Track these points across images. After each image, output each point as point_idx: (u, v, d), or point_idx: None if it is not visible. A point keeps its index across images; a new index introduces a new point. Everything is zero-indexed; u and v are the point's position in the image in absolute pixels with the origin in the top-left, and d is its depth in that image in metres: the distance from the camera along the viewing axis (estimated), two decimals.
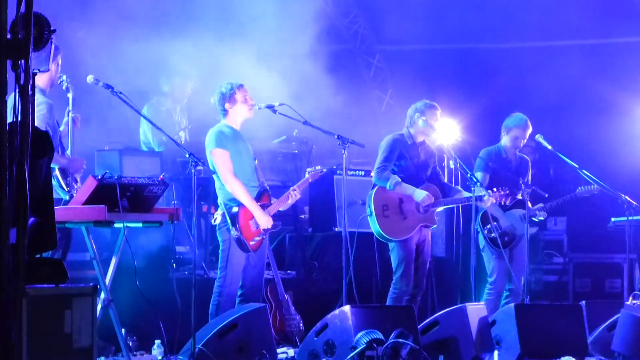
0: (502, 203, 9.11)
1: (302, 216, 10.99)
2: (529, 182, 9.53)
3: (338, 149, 8.61)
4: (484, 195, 8.83)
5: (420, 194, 8.75)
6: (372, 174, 8.97)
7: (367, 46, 13.72)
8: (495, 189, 8.98)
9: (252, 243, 8.01)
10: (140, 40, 9.76)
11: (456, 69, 12.90)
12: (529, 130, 9.53)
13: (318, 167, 8.71)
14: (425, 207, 8.76)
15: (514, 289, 9.39)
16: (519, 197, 9.30)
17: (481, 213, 9.28)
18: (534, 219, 9.45)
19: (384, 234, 8.72)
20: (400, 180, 8.73)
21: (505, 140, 9.59)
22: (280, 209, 8.43)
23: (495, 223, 9.30)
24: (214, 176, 8.09)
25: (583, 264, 12.06)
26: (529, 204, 9.33)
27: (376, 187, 8.82)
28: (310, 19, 11.21)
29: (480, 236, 9.37)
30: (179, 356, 7.35)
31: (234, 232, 7.92)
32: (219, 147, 8.00)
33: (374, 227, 8.75)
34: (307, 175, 8.64)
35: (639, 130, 11.97)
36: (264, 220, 8.06)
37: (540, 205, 9.49)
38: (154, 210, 7.10)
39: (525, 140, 9.60)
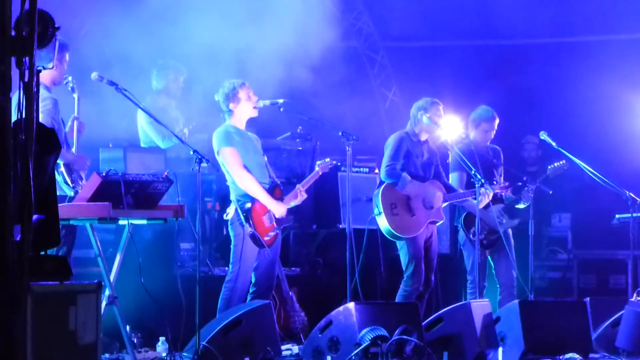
0: (503, 195, 9.10)
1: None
2: (502, 172, 9.54)
3: (342, 146, 8.61)
4: (483, 190, 8.81)
5: (433, 192, 8.76)
6: (380, 172, 8.95)
7: (371, 43, 13.70)
8: (495, 182, 8.98)
9: (266, 238, 8.00)
10: (139, 37, 9.76)
11: (460, 66, 12.89)
12: (497, 121, 9.53)
13: (327, 160, 8.69)
14: (431, 203, 8.78)
15: (504, 283, 9.39)
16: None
17: (464, 216, 9.26)
18: (518, 206, 9.42)
19: (394, 232, 8.70)
20: (410, 178, 8.74)
21: (474, 134, 9.55)
22: (293, 204, 8.39)
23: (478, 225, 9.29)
24: (226, 174, 8.09)
25: (587, 261, 12.07)
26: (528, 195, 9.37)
27: (383, 186, 8.81)
28: (314, 16, 11.20)
29: (461, 233, 9.37)
30: (184, 353, 7.36)
31: (248, 229, 7.91)
32: (226, 146, 8.00)
33: (384, 225, 8.73)
34: (317, 169, 8.63)
35: None
36: (279, 209, 8.05)
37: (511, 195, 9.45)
38: (159, 207, 7.10)
39: (494, 131, 9.58)
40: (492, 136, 9.57)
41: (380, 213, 8.73)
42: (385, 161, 8.86)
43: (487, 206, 9.19)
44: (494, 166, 9.49)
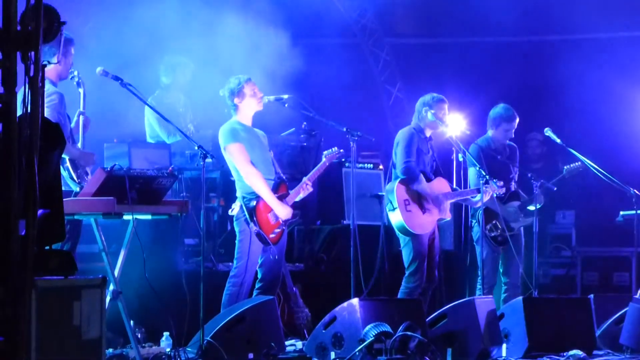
0: (499, 194, 9.08)
1: None
2: (517, 169, 9.56)
3: (346, 142, 8.60)
4: (487, 188, 8.82)
5: (443, 190, 8.80)
6: (397, 168, 8.86)
7: (376, 39, 13.70)
8: (495, 180, 8.98)
9: (272, 236, 7.98)
10: (144, 32, 9.77)
11: (464, 62, 12.89)
12: (517, 120, 9.54)
13: (335, 149, 8.63)
14: (441, 201, 8.80)
15: (511, 281, 9.42)
16: (513, 188, 9.32)
17: (481, 210, 9.27)
18: (530, 207, 9.43)
19: (408, 227, 8.68)
20: (424, 178, 8.77)
21: (494, 132, 9.58)
22: (299, 197, 8.36)
23: (494, 221, 9.29)
24: (233, 171, 8.09)
25: (591, 258, 12.07)
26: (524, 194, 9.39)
27: (397, 181, 8.78)
28: (319, 12, 11.20)
29: (476, 229, 9.37)
30: (188, 348, 7.36)
31: (253, 227, 7.90)
32: (233, 142, 7.99)
33: (397, 220, 8.70)
34: (324, 159, 8.56)
35: None
36: (283, 212, 8.02)
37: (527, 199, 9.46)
38: (163, 202, 7.09)
39: (514, 130, 9.61)
40: (512, 135, 9.59)
41: (395, 208, 8.71)
42: (402, 157, 8.79)
43: (505, 202, 9.22)
44: (509, 165, 9.49)
